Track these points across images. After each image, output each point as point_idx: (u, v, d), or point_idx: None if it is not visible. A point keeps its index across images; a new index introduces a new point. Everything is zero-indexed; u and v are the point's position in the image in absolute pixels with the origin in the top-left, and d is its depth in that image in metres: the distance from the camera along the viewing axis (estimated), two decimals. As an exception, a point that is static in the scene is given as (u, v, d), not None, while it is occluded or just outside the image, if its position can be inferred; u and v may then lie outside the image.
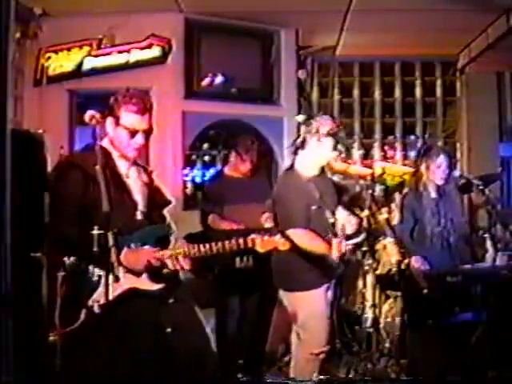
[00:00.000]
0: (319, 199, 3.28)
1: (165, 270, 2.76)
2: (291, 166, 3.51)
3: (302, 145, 3.42)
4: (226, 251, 2.80)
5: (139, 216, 2.80)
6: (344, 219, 3.34)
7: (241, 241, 2.81)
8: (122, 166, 2.82)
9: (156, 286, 2.73)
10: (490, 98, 6.68)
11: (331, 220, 3.25)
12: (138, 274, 2.69)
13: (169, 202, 3.02)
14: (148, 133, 2.79)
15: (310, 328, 3.36)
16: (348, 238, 3.39)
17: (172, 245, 2.85)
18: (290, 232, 3.18)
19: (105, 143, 2.79)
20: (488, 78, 6.70)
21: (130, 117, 2.74)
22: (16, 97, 4.90)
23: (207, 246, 2.78)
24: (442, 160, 4.08)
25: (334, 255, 3.23)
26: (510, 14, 5.24)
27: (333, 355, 3.66)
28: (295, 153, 3.48)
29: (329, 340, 3.36)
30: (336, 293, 3.55)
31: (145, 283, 2.71)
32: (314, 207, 3.27)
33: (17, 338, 2.20)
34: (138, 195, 2.84)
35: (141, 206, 2.82)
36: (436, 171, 4.09)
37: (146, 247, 2.72)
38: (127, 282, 2.67)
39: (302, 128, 3.57)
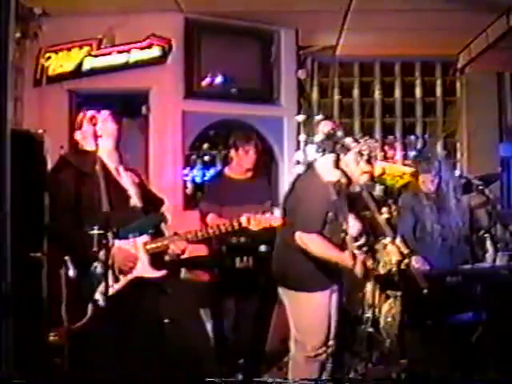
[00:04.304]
0: (336, 205, 3.20)
1: (166, 257, 2.87)
2: (310, 166, 3.44)
3: (333, 150, 3.32)
4: (221, 233, 2.92)
5: (133, 206, 2.89)
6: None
7: (235, 222, 2.92)
8: (110, 164, 2.90)
9: (158, 273, 2.81)
10: (490, 98, 6.68)
11: (344, 227, 3.18)
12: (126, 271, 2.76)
13: (162, 202, 3.08)
14: (118, 114, 2.93)
15: (306, 330, 3.33)
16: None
17: (167, 233, 2.94)
18: (306, 237, 3.17)
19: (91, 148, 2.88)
20: (488, 77, 6.70)
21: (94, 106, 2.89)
22: (16, 97, 4.89)
23: (203, 230, 2.91)
24: (424, 178, 4.11)
25: (358, 271, 3.13)
26: (510, 14, 5.24)
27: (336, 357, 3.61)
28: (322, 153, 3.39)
29: (325, 343, 3.33)
30: (341, 296, 3.50)
31: (148, 271, 2.80)
32: (330, 213, 3.22)
33: (17, 337, 2.20)
34: (132, 191, 2.93)
35: (135, 200, 2.91)
36: (422, 185, 4.11)
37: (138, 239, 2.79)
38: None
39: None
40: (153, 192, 3.12)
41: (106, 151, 2.84)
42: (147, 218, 2.89)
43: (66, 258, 2.61)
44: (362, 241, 3.57)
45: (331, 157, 3.31)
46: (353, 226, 3.29)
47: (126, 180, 2.93)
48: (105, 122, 2.85)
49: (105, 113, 2.89)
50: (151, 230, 2.86)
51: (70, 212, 2.71)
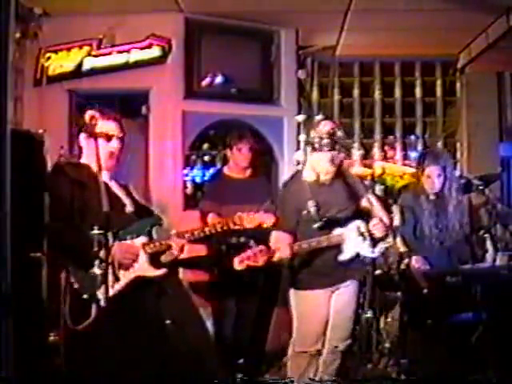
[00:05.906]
0: (312, 203, 3.25)
1: (163, 258, 2.92)
2: (301, 169, 3.55)
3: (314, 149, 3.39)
4: (218, 232, 3.00)
5: (129, 212, 2.94)
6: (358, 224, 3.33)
7: (230, 220, 3.00)
8: (104, 176, 2.88)
9: (159, 272, 2.86)
10: (490, 98, 6.67)
11: (316, 225, 3.22)
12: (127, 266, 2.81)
13: (153, 214, 3.13)
14: (122, 140, 2.95)
15: (296, 326, 3.40)
16: (377, 240, 3.35)
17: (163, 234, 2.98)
18: (273, 233, 3.31)
19: (83, 160, 2.94)
20: (488, 77, 6.69)
21: (105, 123, 2.88)
22: (16, 97, 4.89)
23: (200, 229, 2.98)
24: (431, 171, 4.09)
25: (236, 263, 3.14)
26: (510, 14, 5.24)
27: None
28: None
29: (313, 342, 3.36)
30: (357, 299, 3.51)
31: (148, 270, 2.84)
32: (304, 212, 3.28)
33: (17, 338, 2.20)
34: (126, 201, 2.98)
35: (129, 208, 2.96)
36: (427, 181, 4.11)
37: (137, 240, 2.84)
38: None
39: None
40: (145, 206, 3.16)
41: (104, 156, 2.82)
42: (144, 220, 2.95)
43: (66, 260, 2.62)
44: (388, 242, 3.43)
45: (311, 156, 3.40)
46: (377, 226, 3.29)
47: (119, 192, 2.99)
48: (105, 124, 2.85)
49: (106, 114, 2.89)
50: (148, 231, 2.92)
51: (66, 217, 2.73)
